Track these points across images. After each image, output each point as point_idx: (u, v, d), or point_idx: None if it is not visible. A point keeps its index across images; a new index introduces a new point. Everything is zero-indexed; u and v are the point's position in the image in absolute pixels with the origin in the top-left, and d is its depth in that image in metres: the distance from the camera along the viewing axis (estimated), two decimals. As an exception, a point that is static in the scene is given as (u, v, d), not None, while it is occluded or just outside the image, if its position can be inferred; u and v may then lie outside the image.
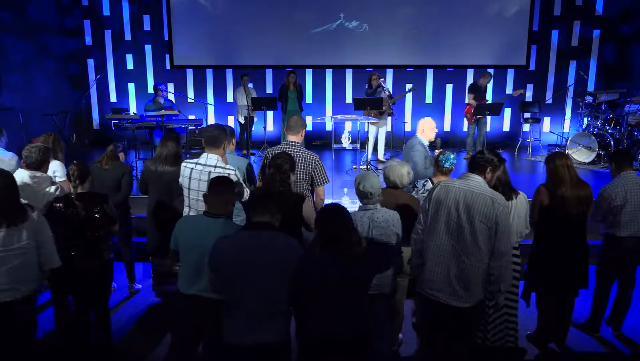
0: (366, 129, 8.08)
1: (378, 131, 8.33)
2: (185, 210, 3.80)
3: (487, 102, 8.77)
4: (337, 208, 2.75)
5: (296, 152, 3.99)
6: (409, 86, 9.18)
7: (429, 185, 3.99)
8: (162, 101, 8.41)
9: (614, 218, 4.05)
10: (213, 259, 2.74)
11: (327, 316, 2.61)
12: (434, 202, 3.12)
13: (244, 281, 2.64)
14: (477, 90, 8.73)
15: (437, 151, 4.70)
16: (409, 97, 10.09)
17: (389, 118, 8.52)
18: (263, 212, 2.73)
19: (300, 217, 3.48)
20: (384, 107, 7.92)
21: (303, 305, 2.68)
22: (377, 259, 2.77)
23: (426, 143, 4.89)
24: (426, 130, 4.92)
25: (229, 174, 3.59)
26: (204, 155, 3.72)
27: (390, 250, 3.40)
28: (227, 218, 3.03)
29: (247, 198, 3.76)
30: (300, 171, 3.97)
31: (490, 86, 8.95)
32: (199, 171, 3.65)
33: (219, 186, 3.03)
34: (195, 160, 3.74)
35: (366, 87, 8.55)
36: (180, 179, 3.81)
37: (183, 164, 3.81)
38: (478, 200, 2.99)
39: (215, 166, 3.65)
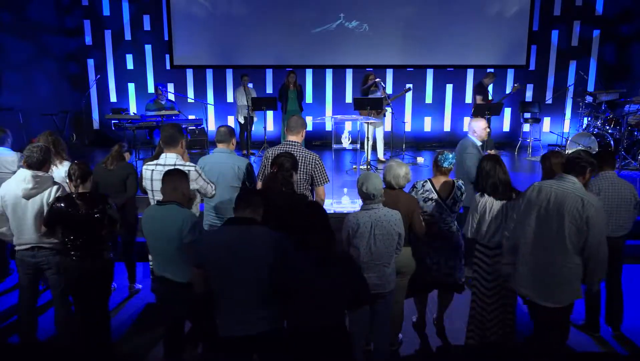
0: (366, 129, 8.08)
1: (375, 130, 8.32)
2: None
3: (492, 102, 8.76)
4: (312, 207, 2.85)
5: (296, 152, 3.99)
6: (409, 86, 9.18)
7: (428, 185, 3.99)
8: (163, 101, 8.41)
9: None
10: (197, 256, 2.84)
11: (304, 311, 2.68)
12: (526, 201, 3.21)
13: (229, 275, 2.72)
14: (484, 90, 8.72)
15: (491, 151, 4.73)
16: (409, 97, 10.08)
17: (388, 118, 8.52)
18: (244, 207, 2.80)
19: None
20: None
21: (284, 297, 2.76)
22: (352, 262, 2.83)
23: (479, 144, 4.94)
24: (478, 130, 4.97)
25: (189, 171, 3.65)
26: (163, 155, 3.78)
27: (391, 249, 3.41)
28: (177, 205, 3.19)
29: (214, 194, 3.86)
30: (300, 171, 3.97)
31: (490, 86, 8.95)
32: (159, 171, 3.69)
33: (167, 175, 3.25)
34: (155, 162, 3.80)
35: (364, 85, 8.55)
36: (143, 182, 3.85)
37: (144, 167, 3.85)
38: (569, 200, 3.03)
39: (174, 165, 3.69)
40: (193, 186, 3.68)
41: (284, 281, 2.67)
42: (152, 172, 3.74)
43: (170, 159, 3.74)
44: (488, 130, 5.07)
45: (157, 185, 3.68)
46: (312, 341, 2.70)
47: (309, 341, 2.70)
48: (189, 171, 3.64)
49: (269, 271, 2.67)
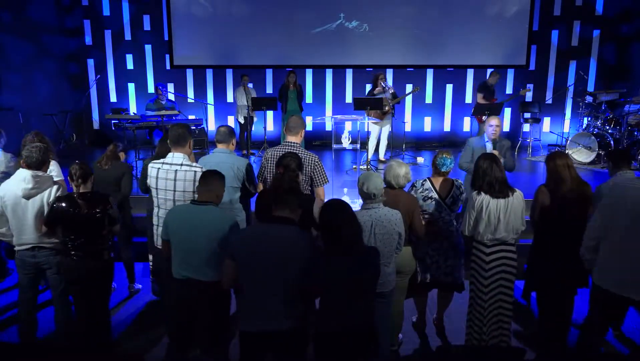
0: (366, 129, 8.08)
1: (381, 130, 8.31)
2: (155, 210, 3.81)
3: (496, 101, 8.72)
4: (339, 203, 2.85)
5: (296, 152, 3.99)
6: (409, 87, 9.17)
7: (428, 184, 4.01)
8: (164, 101, 8.41)
9: None
10: (232, 248, 2.87)
11: (335, 310, 2.72)
12: (602, 201, 3.32)
13: (257, 271, 2.76)
14: (487, 89, 8.70)
15: (494, 151, 4.94)
16: (409, 97, 10.08)
17: (391, 118, 8.52)
18: (283, 207, 2.84)
19: (311, 217, 3.49)
20: (385, 108, 7.92)
21: (314, 298, 2.79)
22: (376, 256, 2.86)
23: (486, 140, 5.16)
24: (486, 128, 5.20)
25: (195, 171, 3.64)
26: (170, 154, 3.76)
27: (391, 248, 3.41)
28: (214, 205, 3.20)
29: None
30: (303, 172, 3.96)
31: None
32: (165, 170, 3.69)
33: (205, 176, 3.24)
34: (161, 160, 3.78)
35: (370, 87, 8.52)
36: (148, 180, 3.83)
37: (150, 164, 3.83)
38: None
39: (181, 165, 3.68)
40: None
41: (317, 281, 2.69)
42: (157, 171, 3.72)
43: (177, 158, 3.71)
44: (494, 129, 5.11)
45: (162, 183, 3.67)
46: (341, 340, 2.73)
47: (338, 340, 2.73)
48: (195, 172, 3.64)
49: (299, 272, 2.70)
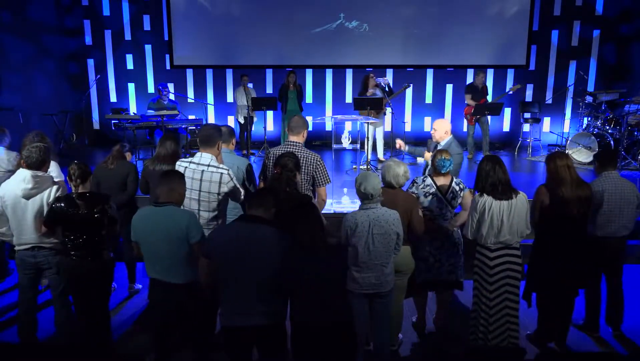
0: (366, 129, 8.08)
1: (375, 130, 8.32)
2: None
3: (486, 102, 8.73)
4: (305, 205, 2.98)
5: (298, 152, 3.99)
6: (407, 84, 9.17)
7: (429, 180, 4.03)
8: (165, 101, 8.40)
9: (593, 217, 4.03)
10: (206, 247, 2.95)
11: (308, 307, 2.79)
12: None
13: (233, 269, 2.83)
14: (474, 90, 8.70)
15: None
16: (409, 97, 10.08)
17: (388, 118, 8.51)
18: (257, 206, 2.91)
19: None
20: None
21: (290, 294, 2.86)
22: (340, 255, 2.97)
23: (435, 143, 5.01)
24: None
25: (221, 173, 3.64)
26: (198, 154, 3.76)
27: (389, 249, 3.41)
28: (173, 205, 3.22)
29: (242, 200, 3.84)
30: (302, 172, 3.96)
31: (490, 86, 8.92)
32: (192, 169, 3.69)
33: (164, 177, 3.27)
34: (189, 159, 3.78)
35: (360, 89, 8.51)
36: None
37: (178, 162, 3.84)
38: None
39: (208, 165, 3.67)
40: (223, 189, 3.65)
41: (289, 279, 2.75)
42: (185, 169, 3.71)
43: (205, 159, 3.71)
44: (431, 132, 4.99)
45: (188, 183, 3.63)
46: (318, 336, 2.78)
47: (315, 336, 2.78)
48: (221, 173, 3.64)
49: (274, 270, 2.76)
